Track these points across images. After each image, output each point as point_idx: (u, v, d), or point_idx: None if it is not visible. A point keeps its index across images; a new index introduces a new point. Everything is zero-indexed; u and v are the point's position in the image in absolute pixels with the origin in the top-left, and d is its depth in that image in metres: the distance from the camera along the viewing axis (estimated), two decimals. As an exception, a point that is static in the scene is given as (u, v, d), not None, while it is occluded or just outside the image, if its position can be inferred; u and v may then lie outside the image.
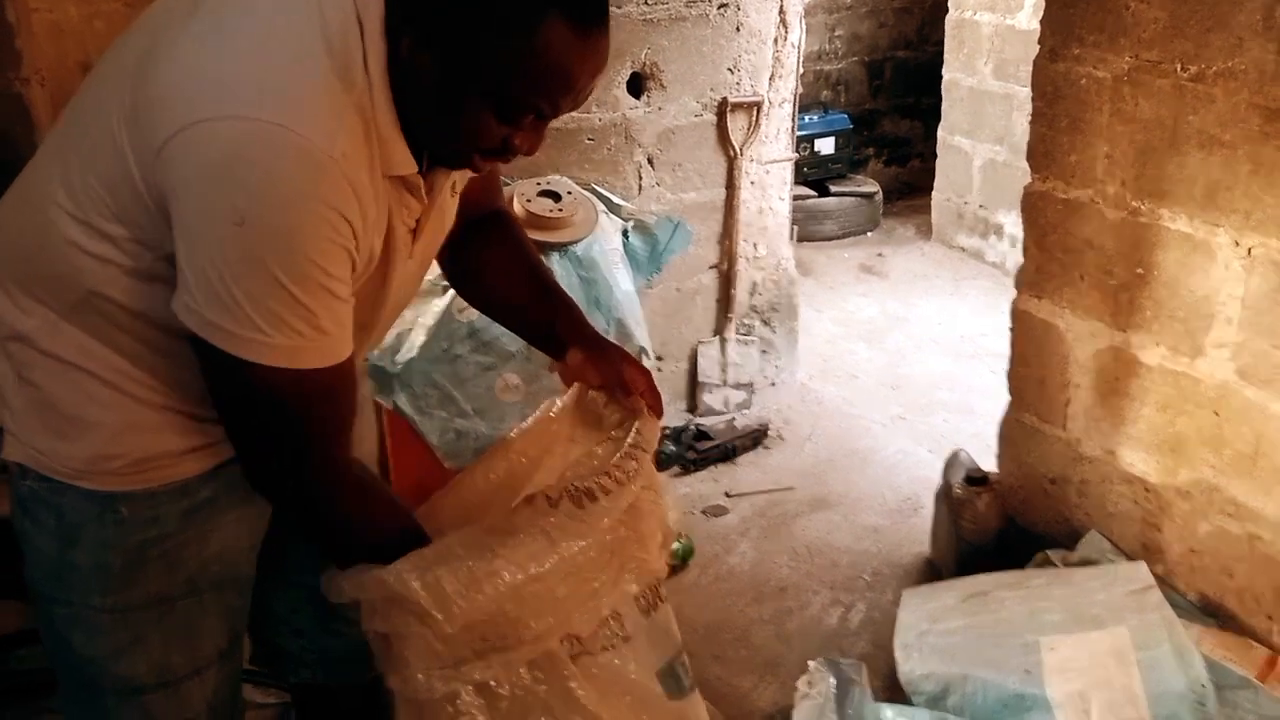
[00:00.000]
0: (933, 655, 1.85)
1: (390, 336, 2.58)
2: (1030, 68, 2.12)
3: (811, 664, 1.48)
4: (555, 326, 1.41)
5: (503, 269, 1.44)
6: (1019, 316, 2.21)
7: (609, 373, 1.37)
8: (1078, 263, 2.06)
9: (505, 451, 1.40)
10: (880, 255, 4.62)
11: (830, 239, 4.75)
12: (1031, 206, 2.14)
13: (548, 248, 2.58)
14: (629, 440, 1.27)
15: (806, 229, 4.49)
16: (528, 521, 1.17)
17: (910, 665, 1.86)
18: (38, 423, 1.14)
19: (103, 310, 1.08)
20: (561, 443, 1.41)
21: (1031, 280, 2.17)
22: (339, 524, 1.18)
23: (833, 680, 1.42)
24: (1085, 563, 2.05)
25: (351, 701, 1.52)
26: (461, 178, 1.25)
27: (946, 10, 4.58)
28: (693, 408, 3.23)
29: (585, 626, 1.21)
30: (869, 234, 4.89)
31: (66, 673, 1.28)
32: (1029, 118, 2.18)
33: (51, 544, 1.18)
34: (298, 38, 0.99)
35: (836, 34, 5.23)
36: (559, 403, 1.43)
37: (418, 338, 2.56)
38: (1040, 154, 2.12)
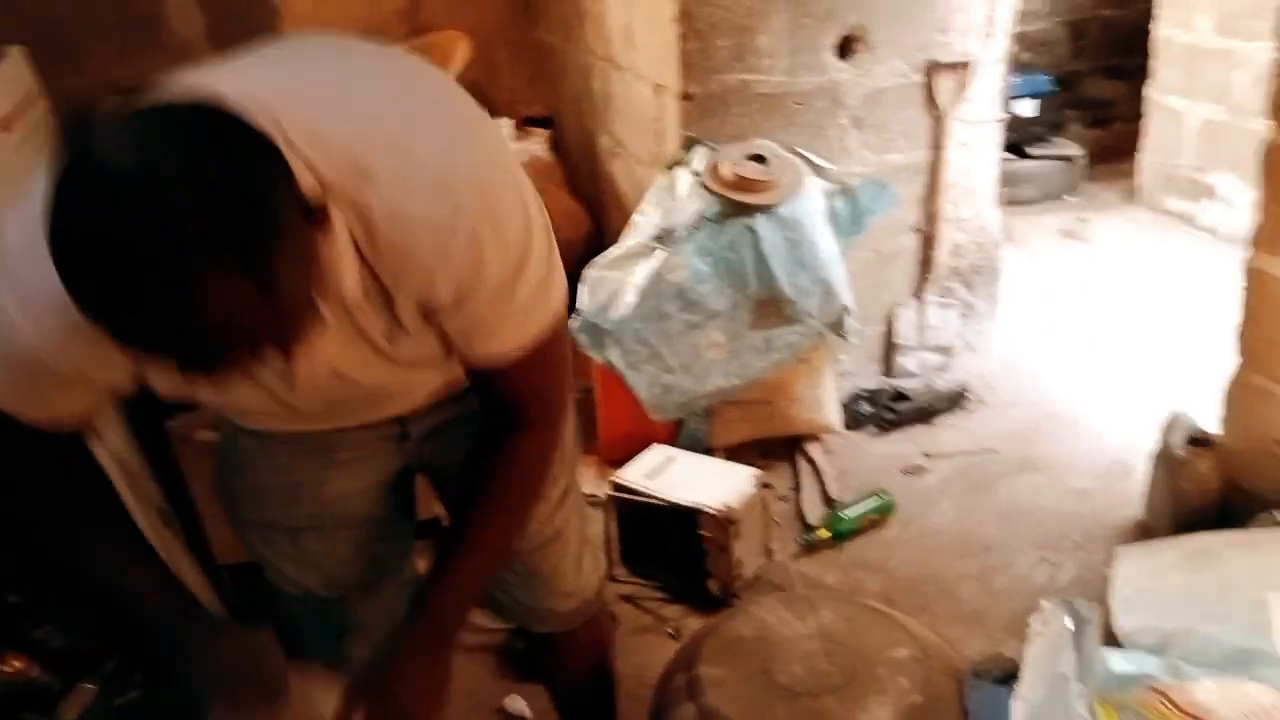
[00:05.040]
0: (1153, 609, 1.84)
1: (604, 295, 2.73)
2: (1258, 21, 2.04)
3: (1045, 603, 1.51)
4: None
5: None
6: (1252, 275, 2.15)
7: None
8: (1319, 219, 1.99)
9: None
10: (1082, 220, 4.48)
11: (1028, 203, 4.62)
12: (1272, 162, 2.06)
13: (756, 209, 2.66)
14: None
15: (1003, 193, 4.39)
16: None
17: (1127, 619, 1.85)
18: None
19: None
20: None
21: (1267, 238, 2.10)
22: None
23: (1068, 619, 1.45)
24: (1317, 526, 1.99)
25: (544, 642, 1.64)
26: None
27: (1157, -34, 4.37)
28: (888, 371, 3.25)
29: None
30: (1069, 199, 4.74)
31: None
32: (1265, 70, 2.10)
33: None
34: None
35: (1039, -7, 5.07)
36: None
37: (629, 296, 2.69)
38: (1282, 107, 2.04)
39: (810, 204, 2.75)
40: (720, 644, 1.51)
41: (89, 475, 1.20)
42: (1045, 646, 1.47)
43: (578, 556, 1.54)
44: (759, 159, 2.72)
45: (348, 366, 1.11)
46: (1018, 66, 4.85)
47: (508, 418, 1.21)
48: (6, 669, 1.81)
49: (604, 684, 1.73)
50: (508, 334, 1.11)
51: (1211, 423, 2.33)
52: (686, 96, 2.80)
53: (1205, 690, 1.56)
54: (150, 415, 2.12)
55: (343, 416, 1.30)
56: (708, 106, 2.81)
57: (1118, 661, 1.58)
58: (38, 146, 1.95)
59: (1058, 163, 4.74)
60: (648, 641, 2.24)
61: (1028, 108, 4.70)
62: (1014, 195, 4.58)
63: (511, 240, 1.05)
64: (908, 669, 1.43)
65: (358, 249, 0.99)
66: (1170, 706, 1.50)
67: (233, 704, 1.14)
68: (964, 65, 2.92)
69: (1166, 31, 4.36)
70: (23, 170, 1.53)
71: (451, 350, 1.15)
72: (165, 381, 1.07)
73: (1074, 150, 4.83)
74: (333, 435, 1.36)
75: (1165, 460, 2.30)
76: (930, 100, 2.95)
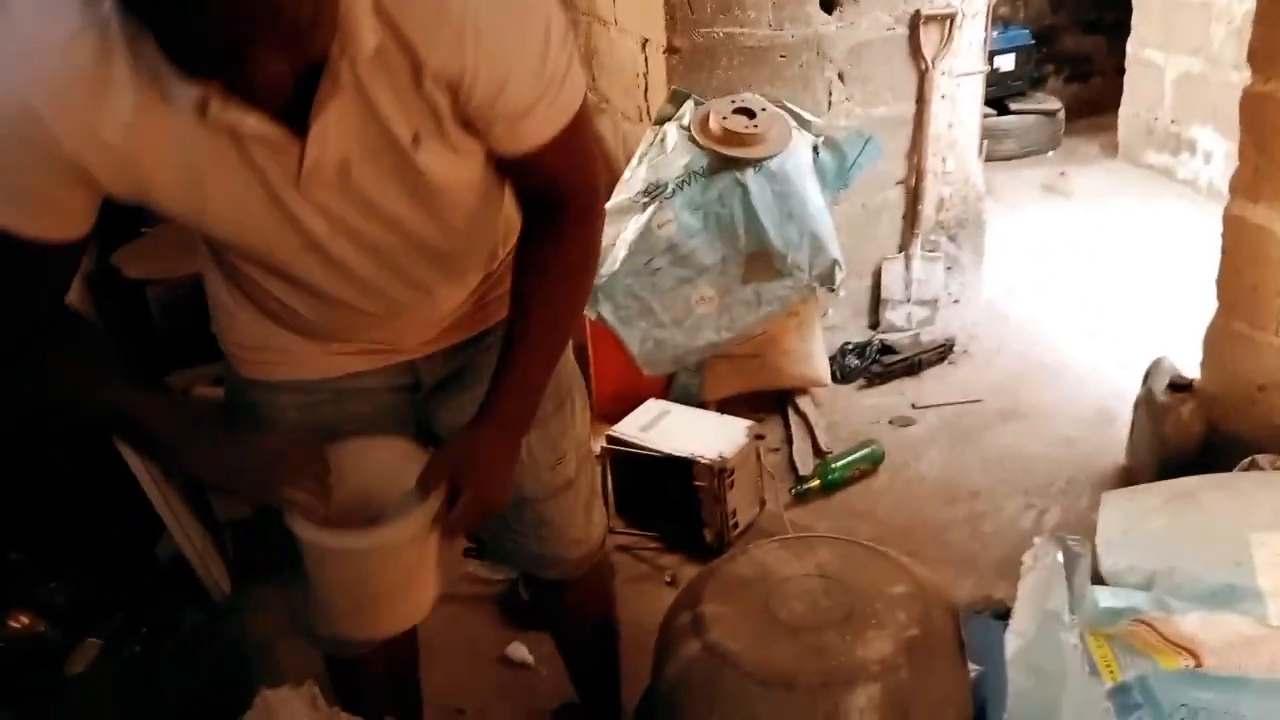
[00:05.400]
0: (1138, 551, 1.88)
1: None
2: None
3: (1036, 539, 1.55)
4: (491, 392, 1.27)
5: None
6: (1231, 222, 2.19)
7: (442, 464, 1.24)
8: (1299, 166, 2.03)
9: None
10: (1063, 174, 4.52)
11: (1010, 158, 4.65)
12: (1251, 109, 2.10)
13: (744, 163, 2.68)
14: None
15: (984, 147, 4.41)
16: None
17: (1113, 560, 1.89)
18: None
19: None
20: None
21: (1247, 185, 2.13)
22: None
23: (1060, 554, 1.50)
24: (1297, 468, 2.04)
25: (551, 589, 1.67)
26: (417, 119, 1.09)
27: (1136, -81, 4.39)
28: (874, 324, 3.29)
29: None
30: (1050, 153, 4.78)
31: None
32: (1245, 20, 2.13)
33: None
34: None
35: (1018, -54, 5.08)
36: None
37: (620, 252, 2.70)
38: (1262, 56, 2.07)
39: (798, 157, 2.77)
40: (722, 584, 1.54)
41: (69, 311, 1.21)
42: (1037, 582, 1.51)
43: (588, 505, 1.58)
44: (747, 113, 2.73)
45: (360, 163, 1.09)
46: (997, 21, 4.87)
47: (550, 209, 1.24)
48: (14, 625, 1.83)
49: (608, 628, 1.77)
50: (547, 114, 1.14)
51: (1193, 369, 2.38)
52: (672, 50, 2.80)
53: (1191, 622, 1.61)
54: (152, 370, 2.12)
55: (350, 279, 1.22)
56: (693, 60, 2.81)
57: (1106, 597, 1.63)
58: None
59: (1038, 117, 4.77)
60: (645, 589, 2.28)
61: (1008, 62, 4.72)
62: (994, 150, 4.59)
63: (532, 5, 1.09)
64: (905, 604, 1.47)
65: (381, 13, 1.00)
66: (1158, 637, 1.55)
67: (294, 475, 1.16)
68: (947, 17, 2.94)
69: (1145, -15, 4.39)
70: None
71: (489, 159, 1.18)
72: (166, 180, 1.05)
73: (1054, 105, 4.86)
74: (345, 386, 1.36)
75: (1148, 406, 2.35)
76: (914, 53, 2.96)
